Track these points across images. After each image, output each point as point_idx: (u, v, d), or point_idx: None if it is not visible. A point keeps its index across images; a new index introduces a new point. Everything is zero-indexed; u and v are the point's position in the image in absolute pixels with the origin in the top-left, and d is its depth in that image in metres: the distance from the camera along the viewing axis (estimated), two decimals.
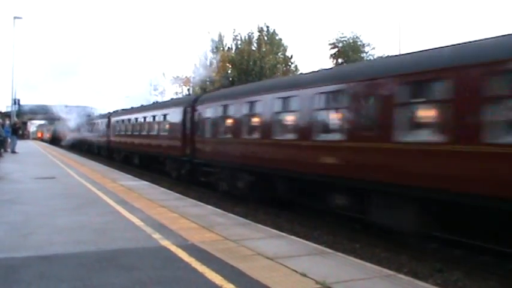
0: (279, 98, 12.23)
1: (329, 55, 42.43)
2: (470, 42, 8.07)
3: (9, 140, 30.04)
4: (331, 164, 10.18)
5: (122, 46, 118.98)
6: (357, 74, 10.14)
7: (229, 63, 41.26)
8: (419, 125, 8.51)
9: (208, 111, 16.66)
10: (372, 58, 37.99)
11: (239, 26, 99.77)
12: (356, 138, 9.54)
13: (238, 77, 38.15)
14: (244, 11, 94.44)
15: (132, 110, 29.27)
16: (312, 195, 11.58)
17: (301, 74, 21.67)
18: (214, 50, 46.46)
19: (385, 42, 79.59)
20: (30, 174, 16.02)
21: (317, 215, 11.54)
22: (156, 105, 26.26)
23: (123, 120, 29.58)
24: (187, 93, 54.47)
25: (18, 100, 48.30)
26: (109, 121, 33.41)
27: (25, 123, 72.88)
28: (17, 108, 47.54)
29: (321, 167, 10.46)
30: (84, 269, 5.24)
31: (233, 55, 41.99)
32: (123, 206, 9.70)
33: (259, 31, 43.34)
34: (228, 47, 44.87)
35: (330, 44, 41.90)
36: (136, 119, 26.57)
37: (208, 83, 41.87)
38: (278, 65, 42.05)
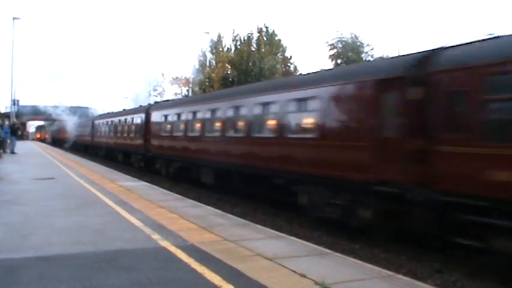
0: (191, 111, 18.12)
1: (328, 56, 42.53)
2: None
3: (8, 141, 30.03)
4: (233, 155, 14.12)
5: (121, 47, 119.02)
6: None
7: (228, 63, 41.26)
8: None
9: (154, 117, 22.49)
10: (371, 58, 38.00)
11: (238, 26, 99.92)
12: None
13: (238, 78, 38.15)
14: (244, 12, 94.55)
15: (110, 115, 35.32)
16: (224, 178, 15.37)
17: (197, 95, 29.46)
18: (214, 51, 46.53)
19: (385, 42, 79.62)
20: (29, 175, 16.01)
21: (316, 216, 11.54)
22: (127, 111, 30.88)
23: (104, 123, 34.99)
24: (186, 93, 54.53)
25: (18, 101, 48.32)
26: (93, 123, 39.54)
27: (24, 124, 72.91)
28: (16, 109, 47.52)
29: (227, 157, 14.43)
30: (83, 269, 5.24)
31: (232, 55, 42.00)
32: (122, 207, 9.69)
33: (259, 32, 43.38)
34: (228, 48, 44.90)
35: (329, 45, 41.96)
36: (112, 121, 32.15)
37: (207, 83, 41.90)
38: (277, 66, 42.07)
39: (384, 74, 9.17)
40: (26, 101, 69.88)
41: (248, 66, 39.40)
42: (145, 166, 23.78)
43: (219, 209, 10.80)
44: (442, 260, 8.00)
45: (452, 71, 7.81)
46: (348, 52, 40.41)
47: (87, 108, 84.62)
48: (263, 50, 41.18)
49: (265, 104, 12.91)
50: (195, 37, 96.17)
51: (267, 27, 44.09)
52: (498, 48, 7.51)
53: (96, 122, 38.90)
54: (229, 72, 40.68)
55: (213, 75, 41.31)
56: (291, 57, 44.90)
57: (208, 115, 16.48)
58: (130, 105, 37.36)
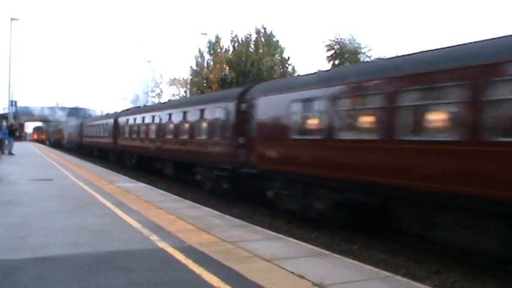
0: (141, 117, 24.88)
1: (325, 57, 42.51)
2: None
3: (6, 142, 29.98)
4: (165, 150, 20.72)
5: (119, 48, 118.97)
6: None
7: (226, 64, 41.26)
8: None
9: (121, 121, 29.04)
10: (369, 59, 38.03)
11: (237, 27, 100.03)
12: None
13: (236, 79, 38.15)
14: (242, 13, 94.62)
15: (94, 118, 43.60)
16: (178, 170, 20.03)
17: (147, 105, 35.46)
18: (211, 52, 46.50)
19: (384, 42, 79.65)
20: (27, 176, 15.98)
21: (315, 217, 11.54)
22: (105, 116, 38.45)
23: (90, 125, 40.46)
24: (184, 94, 54.52)
25: (15, 102, 48.24)
26: (81, 126, 44.05)
27: (22, 125, 72.93)
28: (13, 110, 47.46)
29: (161, 151, 21.22)
30: (81, 270, 5.23)
31: (230, 56, 42.00)
32: (120, 208, 9.68)
33: (257, 33, 43.38)
34: (226, 49, 44.90)
35: (326, 46, 41.97)
36: (92, 124, 38.91)
37: (205, 84, 41.88)
38: (275, 67, 42.07)
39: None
40: (25, 102, 70.06)
41: (246, 67, 39.39)
42: (116, 160, 30.22)
43: (217, 210, 10.80)
44: (440, 261, 8.01)
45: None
46: (346, 53, 40.43)
47: (85, 109, 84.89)
48: (261, 51, 41.17)
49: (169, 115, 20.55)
50: (193, 38, 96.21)
51: (264, 28, 44.13)
52: (268, 85, 14.37)
53: (87, 123, 42.21)
54: (227, 73, 40.66)
55: (210, 76, 41.27)
56: (288, 58, 44.93)
57: (148, 121, 23.61)
58: (129, 106, 39.88)
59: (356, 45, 40.22)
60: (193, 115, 17.66)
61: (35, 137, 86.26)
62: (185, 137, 18.22)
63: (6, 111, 46.60)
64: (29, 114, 72.78)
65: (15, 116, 50.36)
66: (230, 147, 14.39)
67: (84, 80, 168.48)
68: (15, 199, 10.72)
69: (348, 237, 9.80)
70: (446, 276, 7.37)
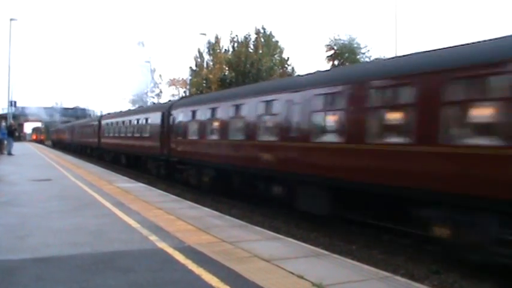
0: (118, 121, 30.13)
1: (325, 57, 42.56)
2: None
3: (5, 142, 29.97)
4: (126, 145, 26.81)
5: (119, 48, 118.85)
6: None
7: (225, 65, 41.27)
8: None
9: (104, 124, 34.31)
10: (368, 59, 38.06)
11: (236, 28, 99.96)
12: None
13: (236, 79, 38.16)
14: (241, 14, 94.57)
15: (77, 122, 52.48)
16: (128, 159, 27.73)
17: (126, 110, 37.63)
18: (211, 52, 46.54)
19: (382, 43, 79.72)
20: (26, 176, 15.98)
21: (314, 217, 11.55)
22: (89, 119, 48.00)
23: (77, 126, 48.27)
24: (183, 94, 54.51)
25: (15, 102, 48.22)
26: (73, 127, 50.69)
27: (21, 125, 72.99)
28: (13, 110, 47.45)
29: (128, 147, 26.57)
30: (81, 271, 5.23)
31: (229, 57, 42.01)
32: (119, 208, 9.68)
33: (257, 33, 43.39)
34: (225, 49, 44.92)
35: (326, 46, 42.00)
36: (77, 126, 47.94)
37: (204, 84, 41.88)
38: (275, 67, 42.09)
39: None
40: (25, 102, 70.08)
41: (246, 67, 39.40)
42: (99, 156, 35.71)
43: (216, 210, 10.80)
44: (439, 261, 8.01)
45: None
46: (345, 53, 40.46)
47: (84, 109, 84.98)
48: (261, 52, 41.18)
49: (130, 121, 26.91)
50: (192, 38, 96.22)
51: (264, 29, 44.16)
52: (180, 102, 21.14)
53: (77, 124, 49.81)
54: (226, 73, 40.66)
55: (210, 76, 41.27)
56: (288, 58, 45.00)
57: (120, 123, 29.00)
58: (128, 106, 43.87)
59: (355, 45, 40.27)
60: (142, 121, 24.23)
61: (34, 137, 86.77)
62: (137, 136, 24.70)
63: (5, 111, 46.55)
64: (24, 115, 72.83)
65: (15, 116, 50.37)
66: (162, 144, 20.24)
67: (84, 80, 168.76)
68: (15, 199, 10.72)
69: (347, 238, 9.81)
70: (446, 276, 7.37)
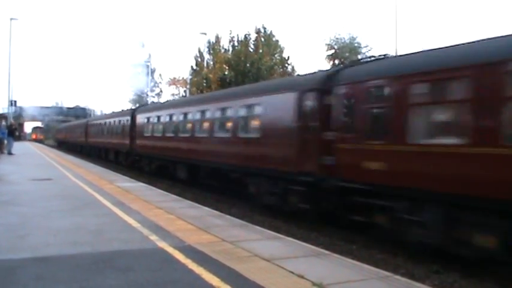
0: (99, 123, 37.12)
1: (325, 56, 42.52)
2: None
3: (5, 142, 29.97)
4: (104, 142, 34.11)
5: (119, 47, 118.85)
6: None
7: (225, 64, 41.22)
8: None
9: (90, 125, 40.25)
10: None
11: (236, 27, 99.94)
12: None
13: (236, 79, 38.12)
14: (241, 13, 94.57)
15: (66, 124, 61.65)
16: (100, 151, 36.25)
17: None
18: (211, 51, 46.49)
19: (383, 43, 79.63)
20: (26, 176, 15.98)
21: (314, 217, 11.55)
22: (78, 121, 54.76)
23: (65, 127, 58.12)
24: (183, 94, 54.50)
25: (15, 101, 48.24)
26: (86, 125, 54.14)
27: (21, 125, 73.03)
28: (13, 110, 47.48)
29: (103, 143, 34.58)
30: (81, 270, 5.23)
31: (229, 56, 41.96)
32: (119, 208, 9.68)
33: (257, 32, 43.34)
34: (225, 49, 44.87)
35: (326, 45, 41.97)
36: (69, 126, 56.68)
37: (204, 84, 41.84)
38: (275, 67, 42.03)
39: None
40: (25, 102, 70.05)
41: (246, 67, 39.35)
42: (85, 152, 42.46)
43: (216, 209, 10.80)
44: (439, 261, 8.00)
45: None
46: (346, 53, 40.43)
47: (84, 109, 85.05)
48: (261, 51, 41.13)
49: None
50: (192, 38, 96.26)
51: (264, 28, 44.09)
52: (140, 108, 27.92)
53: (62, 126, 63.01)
54: (226, 73, 40.61)
55: (210, 75, 41.23)
56: (288, 57, 44.91)
57: (101, 124, 35.42)
58: (128, 106, 45.31)
59: (356, 44, 40.24)
60: (115, 122, 30.75)
61: (34, 136, 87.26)
62: (112, 134, 31.18)
63: (5, 111, 46.59)
64: (21, 115, 72.82)
65: (16, 116, 50.39)
66: (129, 141, 26.36)
67: (84, 79, 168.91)
68: (15, 199, 10.72)
69: (348, 237, 9.80)
70: (446, 276, 7.36)
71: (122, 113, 30.79)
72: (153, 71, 70.49)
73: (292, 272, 5.31)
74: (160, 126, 21.63)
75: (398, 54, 12.02)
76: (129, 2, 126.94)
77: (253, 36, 43.19)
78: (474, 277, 7.26)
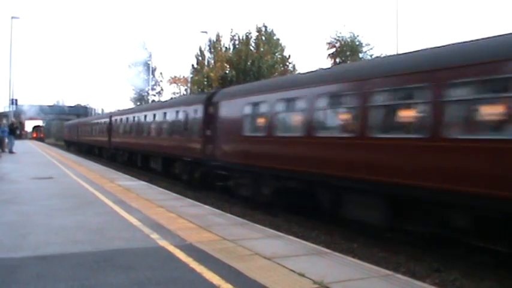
0: (92, 123, 42.87)
1: (327, 55, 42.43)
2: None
3: (6, 140, 30.00)
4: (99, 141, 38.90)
5: (120, 46, 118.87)
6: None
7: (226, 63, 41.19)
8: None
9: (81, 125, 46.35)
10: (370, 57, 37.98)
11: (237, 26, 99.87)
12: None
13: (237, 77, 38.09)
14: (243, 11, 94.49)
15: (78, 120, 58.26)
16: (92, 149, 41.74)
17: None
18: (212, 50, 46.46)
19: (384, 41, 79.52)
20: (27, 174, 16.00)
21: (314, 215, 11.56)
22: (96, 117, 54.41)
23: (76, 124, 56.36)
24: (184, 93, 54.49)
25: (16, 100, 48.26)
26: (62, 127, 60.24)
27: (22, 124, 73.10)
28: (14, 108, 47.53)
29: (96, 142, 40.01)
30: (82, 269, 5.23)
31: (230, 55, 41.93)
32: (120, 206, 9.69)
33: (258, 31, 43.29)
34: (226, 47, 44.84)
35: (327, 43, 41.88)
36: (83, 123, 54.45)
37: (205, 83, 41.83)
38: (276, 65, 41.99)
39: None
40: (26, 100, 70.10)
41: (247, 65, 39.31)
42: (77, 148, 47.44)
43: (217, 208, 10.81)
44: (440, 259, 8.01)
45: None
46: (347, 51, 40.33)
47: (85, 107, 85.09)
48: (262, 50, 41.08)
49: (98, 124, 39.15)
50: (193, 36, 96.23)
51: (265, 27, 44.04)
52: (116, 112, 37.08)
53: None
54: (227, 71, 40.58)
55: (211, 74, 41.20)
56: (289, 56, 44.87)
57: (92, 125, 40.70)
58: (130, 105, 46.49)
59: (357, 43, 40.15)
60: (101, 124, 36.62)
61: (34, 135, 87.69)
62: (97, 134, 37.69)
63: (6, 109, 46.66)
64: (22, 113, 72.86)
65: (16, 114, 50.44)
66: (108, 138, 32.27)
67: (85, 78, 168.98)
68: (16, 197, 10.73)
69: (348, 236, 9.80)
70: (447, 274, 7.37)
71: (100, 117, 32.48)
72: (154, 70, 70.52)
73: (293, 271, 5.31)
74: (138, 126, 27.04)
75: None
76: (130, 1, 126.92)
77: (254, 34, 43.15)
78: (475, 275, 7.26)
